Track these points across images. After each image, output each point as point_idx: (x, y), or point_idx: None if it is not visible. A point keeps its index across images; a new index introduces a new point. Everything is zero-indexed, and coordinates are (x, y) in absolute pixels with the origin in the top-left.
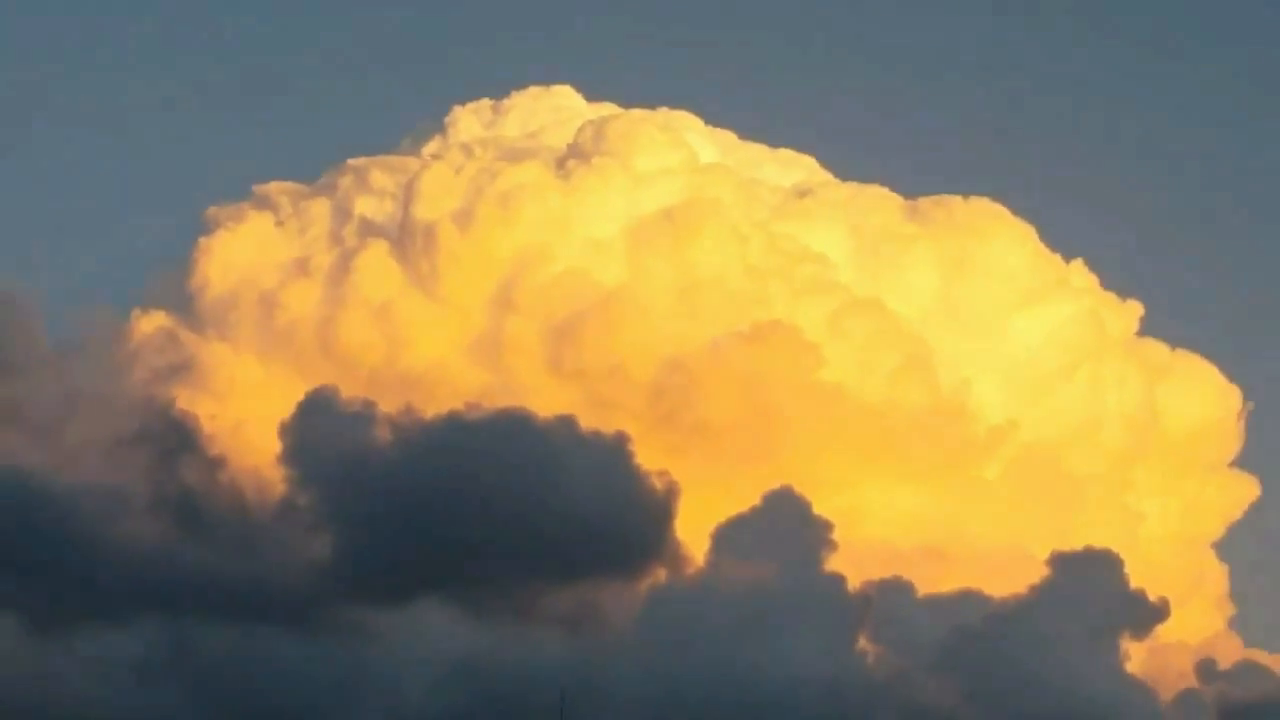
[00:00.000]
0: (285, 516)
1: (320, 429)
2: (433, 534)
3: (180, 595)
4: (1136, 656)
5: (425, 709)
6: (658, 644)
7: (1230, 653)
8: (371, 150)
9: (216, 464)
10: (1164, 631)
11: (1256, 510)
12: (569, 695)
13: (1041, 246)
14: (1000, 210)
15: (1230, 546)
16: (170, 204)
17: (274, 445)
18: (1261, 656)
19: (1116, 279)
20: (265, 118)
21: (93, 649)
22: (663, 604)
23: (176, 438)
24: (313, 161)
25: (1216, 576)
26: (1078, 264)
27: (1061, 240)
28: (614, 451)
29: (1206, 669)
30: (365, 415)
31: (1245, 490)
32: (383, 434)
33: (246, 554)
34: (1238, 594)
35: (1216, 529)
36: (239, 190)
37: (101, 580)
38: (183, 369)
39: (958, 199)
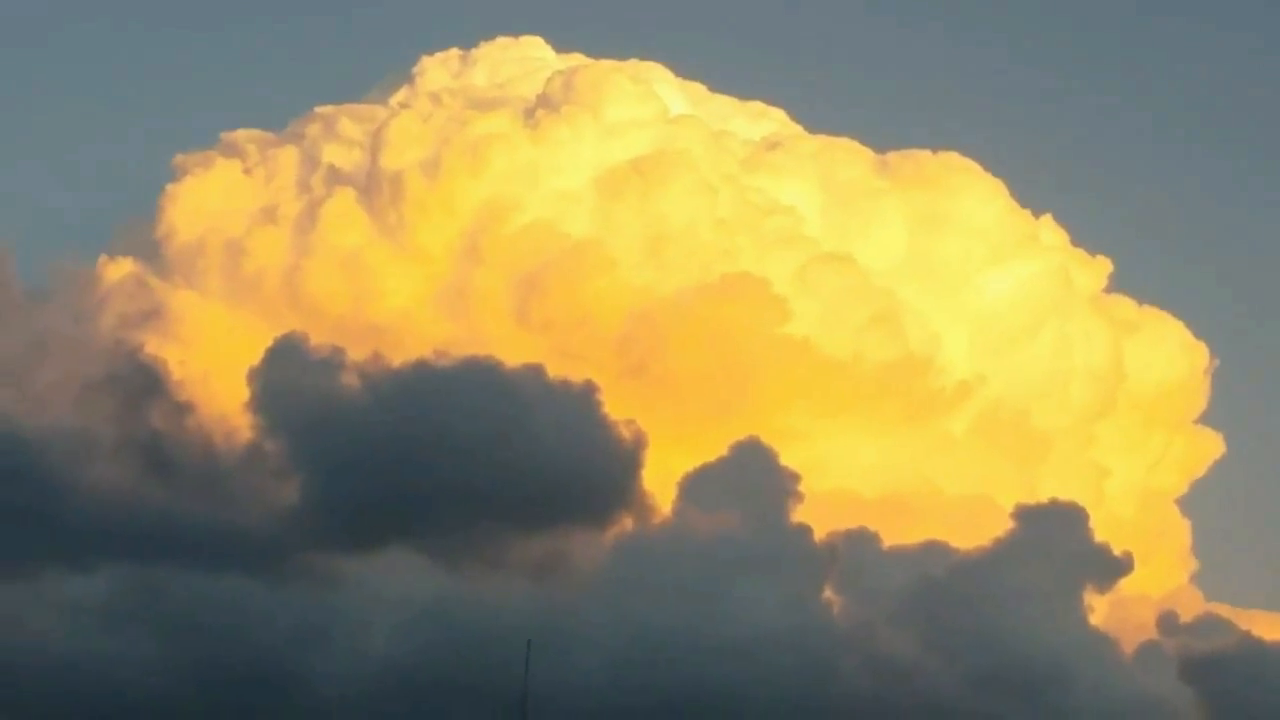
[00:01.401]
0: (252, 462)
1: (288, 375)
2: (400, 481)
3: (147, 540)
4: (1099, 609)
5: (391, 655)
6: (624, 592)
7: (1192, 606)
8: (340, 98)
9: (184, 409)
10: (1127, 585)
11: (1220, 467)
12: (535, 643)
13: (1011, 202)
14: (970, 165)
15: (1194, 502)
16: (139, 151)
17: (242, 391)
18: (1222, 610)
19: (1085, 235)
20: (234, 65)
21: (59, 593)
22: (629, 553)
23: (144, 383)
24: (281, 109)
25: (1179, 532)
26: (1047, 219)
27: (1031, 196)
28: (582, 400)
29: (1168, 622)
30: (333, 362)
31: (1210, 447)
32: (350, 381)
33: (214, 499)
34: (1200, 549)
35: (1180, 485)
36: (207, 138)
37: (68, 525)
38: (151, 315)
39: (928, 153)
